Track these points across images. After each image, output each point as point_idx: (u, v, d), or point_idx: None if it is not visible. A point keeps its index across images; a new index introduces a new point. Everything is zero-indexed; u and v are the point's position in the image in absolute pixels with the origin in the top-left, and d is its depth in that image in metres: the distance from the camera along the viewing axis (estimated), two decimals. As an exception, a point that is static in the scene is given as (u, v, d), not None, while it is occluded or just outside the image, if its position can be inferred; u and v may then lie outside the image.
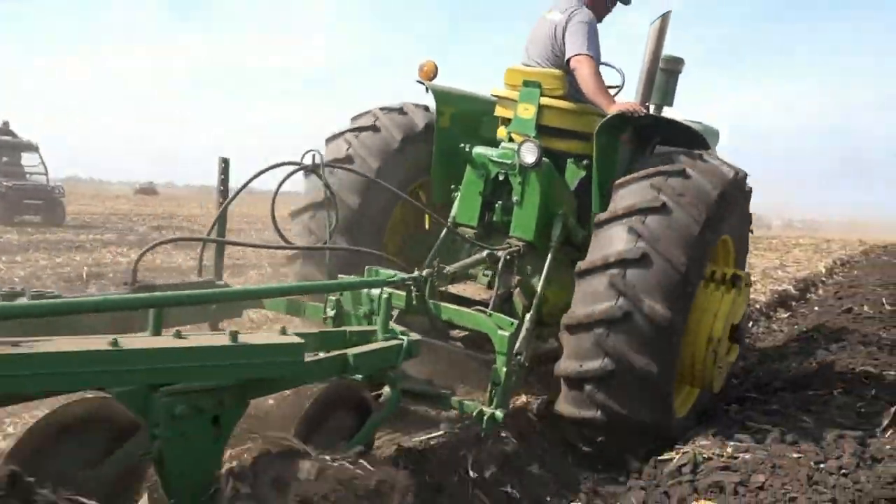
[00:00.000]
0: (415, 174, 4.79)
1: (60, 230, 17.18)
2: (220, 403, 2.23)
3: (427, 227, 5.00)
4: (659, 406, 3.67)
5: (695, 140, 4.13)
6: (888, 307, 9.57)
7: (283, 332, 2.48)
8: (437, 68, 4.54)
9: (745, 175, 4.11)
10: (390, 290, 3.37)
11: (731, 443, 3.65)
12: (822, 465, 3.32)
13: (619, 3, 4.66)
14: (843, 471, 3.27)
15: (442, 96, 4.65)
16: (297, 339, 2.43)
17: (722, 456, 3.46)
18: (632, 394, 3.53)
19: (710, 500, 2.89)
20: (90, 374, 1.91)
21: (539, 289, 4.02)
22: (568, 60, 4.22)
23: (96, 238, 15.51)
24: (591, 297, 3.55)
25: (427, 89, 4.62)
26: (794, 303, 10.44)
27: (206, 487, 2.18)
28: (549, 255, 4.10)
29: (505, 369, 3.38)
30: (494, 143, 4.52)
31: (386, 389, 3.01)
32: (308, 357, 2.51)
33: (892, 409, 4.18)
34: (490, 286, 4.29)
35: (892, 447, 3.63)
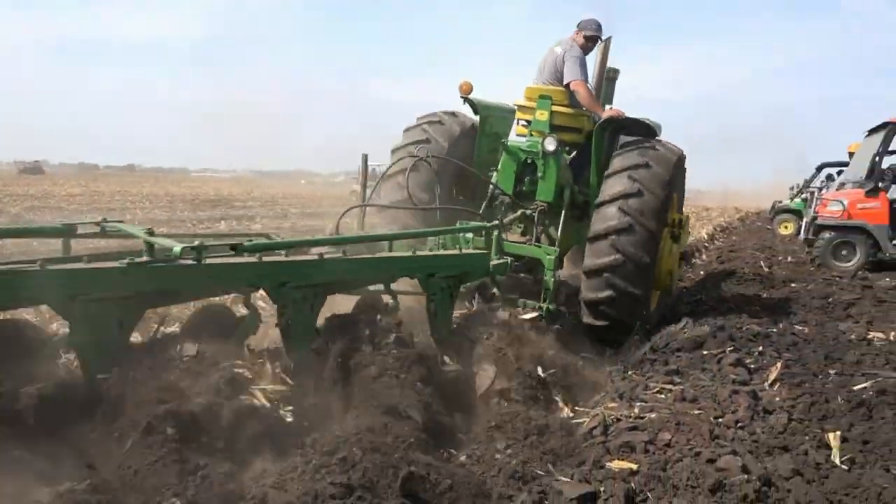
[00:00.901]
0: (462, 157, 6.31)
1: (-82, 214, 15.73)
2: (453, 284, 4.30)
3: (454, 193, 6.60)
4: (647, 287, 5.58)
5: (648, 131, 6.06)
6: (766, 269, 10.25)
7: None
8: (472, 86, 6.19)
9: (685, 154, 5.99)
10: (471, 234, 5.26)
11: (637, 403, 3.80)
12: (720, 420, 3.50)
13: (598, 42, 6.43)
14: (740, 424, 3.47)
15: (481, 106, 6.46)
16: (485, 251, 4.81)
17: (630, 417, 3.58)
18: (633, 276, 5.35)
19: (622, 459, 2.98)
20: (406, 267, 4.10)
21: (559, 234, 5.90)
22: (567, 84, 6.06)
23: (-38, 221, 14.30)
24: (608, 217, 5.40)
25: (464, 102, 6.32)
26: (680, 269, 10.97)
27: (449, 326, 4.26)
28: (563, 212, 5.93)
29: (552, 280, 5.39)
30: (501, 135, 6.54)
31: (494, 290, 5.02)
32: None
33: (779, 364, 4.49)
34: (523, 234, 6.15)
35: (780, 399, 3.89)
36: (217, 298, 4.47)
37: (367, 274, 3.99)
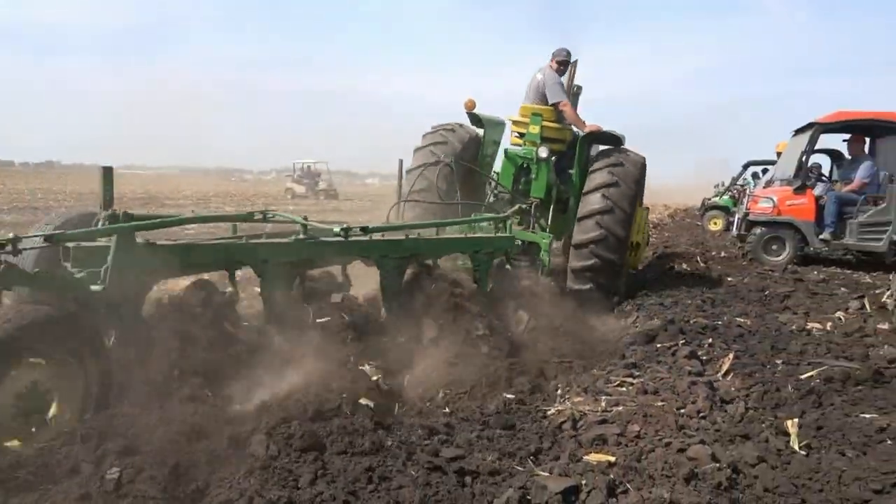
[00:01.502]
0: (468, 160, 7.73)
1: None
2: (489, 258, 5.50)
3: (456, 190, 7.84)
4: (622, 258, 6.97)
5: (616, 141, 7.53)
6: (702, 264, 10.59)
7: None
8: (475, 103, 7.79)
9: (646, 160, 7.41)
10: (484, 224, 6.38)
11: (603, 397, 3.88)
12: (683, 411, 3.62)
13: (568, 65, 7.94)
14: (702, 414, 3.59)
15: (484, 120, 8.01)
16: (512, 235, 5.94)
17: (597, 411, 3.66)
18: (612, 248, 6.78)
19: (597, 452, 3.04)
20: (461, 245, 5.40)
21: (548, 223, 7.49)
22: (555, 104, 7.57)
23: None
24: (593, 202, 6.83)
25: (469, 115, 7.94)
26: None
27: (487, 287, 5.36)
28: (552, 207, 7.57)
29: (547, 258, 6.81)
30: (496, 143, 8.16)
31: (507, 266, 5.95)
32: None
33: (730, 356, 4.66)
34: (519, 223, 7.14)
35: (735, 389, 4.04)
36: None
37: (436, 250, 5.12)
